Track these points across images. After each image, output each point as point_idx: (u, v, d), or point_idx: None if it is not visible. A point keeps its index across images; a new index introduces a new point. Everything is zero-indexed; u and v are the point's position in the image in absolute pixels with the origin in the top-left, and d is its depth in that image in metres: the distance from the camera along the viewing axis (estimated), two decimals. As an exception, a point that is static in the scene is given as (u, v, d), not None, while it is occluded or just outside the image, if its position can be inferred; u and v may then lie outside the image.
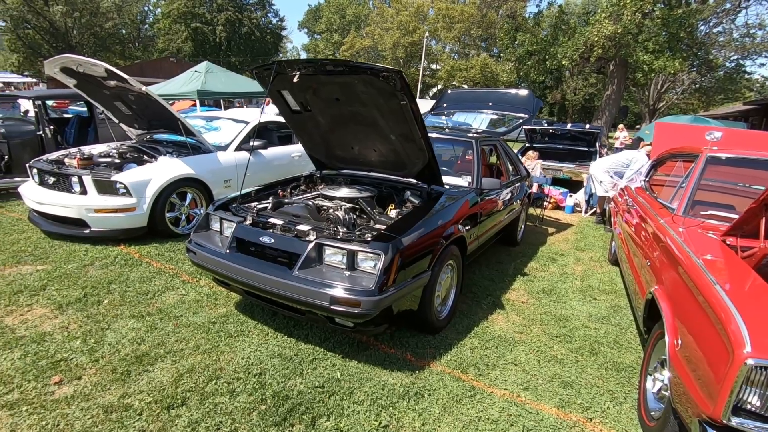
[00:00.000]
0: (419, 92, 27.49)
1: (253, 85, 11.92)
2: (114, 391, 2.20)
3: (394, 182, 3.59)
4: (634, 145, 12.48)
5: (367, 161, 3.60)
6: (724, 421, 1.48)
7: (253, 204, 3.12)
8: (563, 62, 16.63)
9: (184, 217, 4.56)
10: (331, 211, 3.03)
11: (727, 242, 2.33)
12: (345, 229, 2.67)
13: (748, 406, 1.48)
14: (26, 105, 8.61)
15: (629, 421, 2.27)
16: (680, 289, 2.08)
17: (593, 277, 4.29)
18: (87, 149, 4.87)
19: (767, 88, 31.64)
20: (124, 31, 36.81)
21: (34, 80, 26.25)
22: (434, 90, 33.28)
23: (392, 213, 3.20)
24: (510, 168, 4.87)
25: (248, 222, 2.78)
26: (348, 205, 3.13)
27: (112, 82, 4.32)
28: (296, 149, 5.72)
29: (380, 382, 2.41)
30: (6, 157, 5.75)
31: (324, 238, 2.52)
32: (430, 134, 2.97)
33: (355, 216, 3.02)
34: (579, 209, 7.31)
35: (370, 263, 2.41)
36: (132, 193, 4.06)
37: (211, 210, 3.04)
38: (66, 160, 4.39)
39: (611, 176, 6.05)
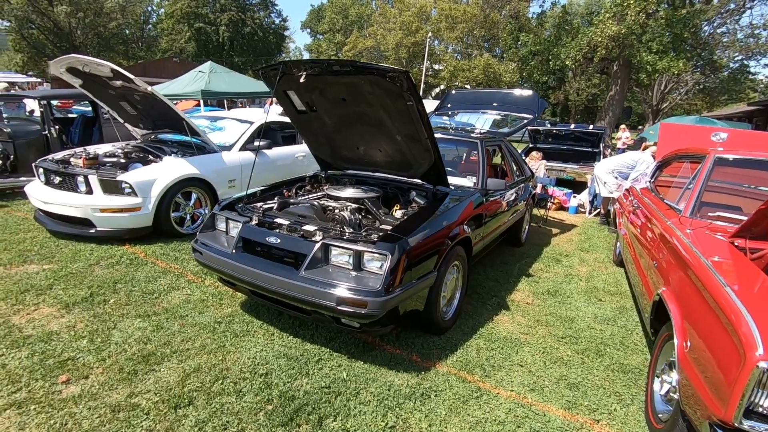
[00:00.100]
0: (422, 92, 27.46)
1: (257, 85, 11.92)
2: (121, 391, 2.20)
3: (400, 183, 3.58)
4: (636, 145, 12.45)
5: (373, 161, 3.60)
6: (736, 424, 1.48)
7: (259, 204, 3.12)
8: (566, 63, 16.60)
9: (188, 216, 4.57)
10: (336, 211, 3.03)
11: (736, 244, 2.32)
12: (351, 230, 2.67)
13: (760, 409, 1.48)
14: (32, 105, 8.65)
15: (636, 423, 2.27)
16: (689, 290, 2.07)
17: (598, 278, 4.28)
18: (92, 149, 4.89)
19: (771, 88, 31.49)
20: (127, 32, 36.94)
21: (38, 80, 26.32)
22: (437, 90, 33.25)
23: (397, 213, 3.20)
24: (514, 169, 4.86)
25: (254, 222, 2.78)
26: (354, 206, 3.12)
27: (118, 82, 4.33)
28: (300, 149, 5.73)
29: (386, 383, 2.40)
30: (12, 156, 5.77)
31: (330, 239, 2.52)
32: (435, 135, 2.96)
33: (360, 216, 3.02)
34: (583, 210, 7.30)
35: (377, 264, 2.40)
36: (137, 192, 4.07)
37: (217, 210, 3.04)
38: (72, 159, 4.41)
39: (616, 177, 6.03)
